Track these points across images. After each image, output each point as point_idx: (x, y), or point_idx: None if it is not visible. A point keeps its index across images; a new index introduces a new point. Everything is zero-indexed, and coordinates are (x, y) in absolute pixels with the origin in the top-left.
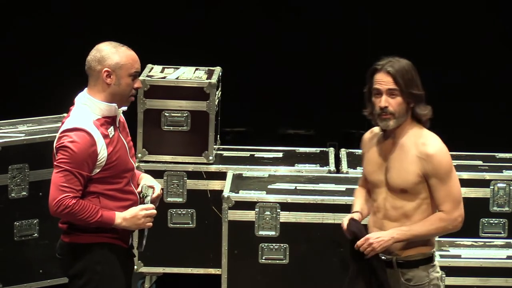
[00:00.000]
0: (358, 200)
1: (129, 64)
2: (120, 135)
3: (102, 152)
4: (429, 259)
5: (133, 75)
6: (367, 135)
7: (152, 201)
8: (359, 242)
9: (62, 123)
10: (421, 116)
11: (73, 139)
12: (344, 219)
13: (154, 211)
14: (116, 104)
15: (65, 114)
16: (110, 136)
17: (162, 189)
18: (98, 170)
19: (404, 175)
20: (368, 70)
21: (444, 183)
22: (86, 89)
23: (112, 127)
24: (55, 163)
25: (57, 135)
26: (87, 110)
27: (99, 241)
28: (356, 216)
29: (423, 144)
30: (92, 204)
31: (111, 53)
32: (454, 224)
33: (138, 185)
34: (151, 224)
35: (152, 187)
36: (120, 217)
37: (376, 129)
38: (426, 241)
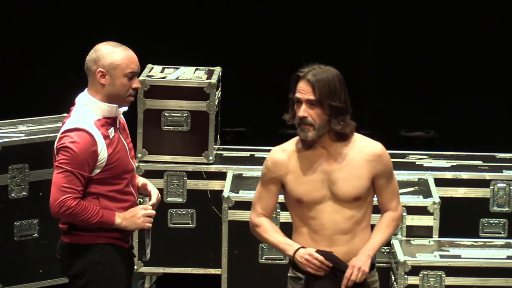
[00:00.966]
0: (280, 235)
1: (124, 64)
2: (121, 136)
3: (103, 152)
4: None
5: (129, 75)
6: (279, 156)
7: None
8: (347, 273)
9: (63, 123)
10: (336, 130)
11: (74, 140)
12: (305, 258)
13: (153, 212)
14: (116, 105)
15: (65, 114)
16: (111, 137)
17: (161, 191)
18: (98, 171)
19: (356, 182)
20: (292, 76)
21: (390, 181)
22: (86, 89)
23: (112, 128)
24: (55, 163)
25: (58, 135)
26: (88, 110)
27: (100, 241)
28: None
29: (366, 146)
30: (93, 205)
31: (106, 53)
32: (400, 218)
33: (138, 188)
34: (150, 224)
35: (148, 195)
36: (120, 217)
37: (286, 147)
38: None
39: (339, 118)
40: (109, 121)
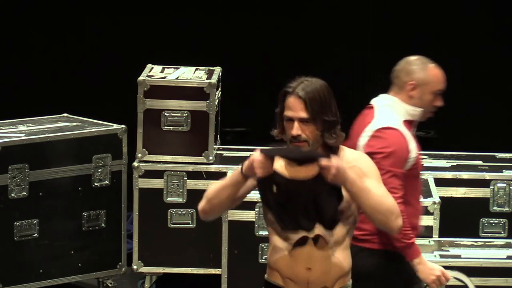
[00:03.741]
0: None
1: (435, 83)
2: None
3: (413, 151)
4: None
5: (436, 93)
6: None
7: None
8: (324, 163)
9: (364, 125)
10: (328, 144)
11: (387, 139)
12: (247, 165)
13: None
14: (421, 109)
15: (65, 114)
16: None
17: (161, 191)
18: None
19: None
20: (280, 92)
21: (378, 182)
22: (383, 94)
23: (412, 130)
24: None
25: (366, 133)
26: (391, 111)
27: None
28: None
29: (347, 155)
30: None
31: (420, 68)
32: (398, 221)
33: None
34: None
35: None
36: (423, 260)
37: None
38: (348, 273)
39: (331, 131)
40: (411, 124)
